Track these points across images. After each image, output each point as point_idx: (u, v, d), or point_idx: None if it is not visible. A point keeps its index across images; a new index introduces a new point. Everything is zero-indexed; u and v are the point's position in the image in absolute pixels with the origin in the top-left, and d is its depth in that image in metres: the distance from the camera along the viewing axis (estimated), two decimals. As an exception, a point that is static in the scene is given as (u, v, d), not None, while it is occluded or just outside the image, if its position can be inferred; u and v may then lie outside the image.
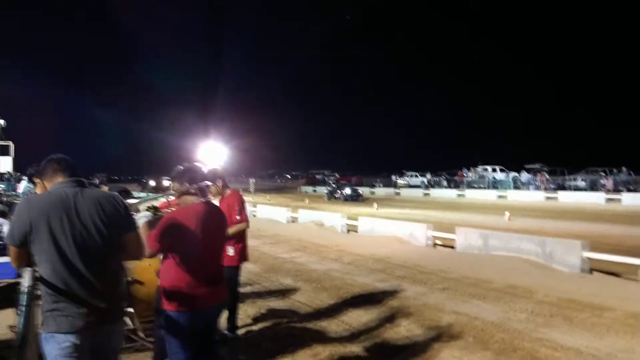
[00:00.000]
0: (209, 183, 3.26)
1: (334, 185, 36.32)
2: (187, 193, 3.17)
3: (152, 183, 39.11)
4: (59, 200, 2.47)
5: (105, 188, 5.12)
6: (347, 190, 33.61)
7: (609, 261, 8.23)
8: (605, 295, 6.72)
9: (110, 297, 2.55)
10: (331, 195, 34.71)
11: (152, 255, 3.03)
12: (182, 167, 3.31)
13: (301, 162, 72.39)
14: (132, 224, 2.72)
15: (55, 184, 2.59)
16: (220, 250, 3.34)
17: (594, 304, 6.26)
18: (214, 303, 3.14)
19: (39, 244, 2.40)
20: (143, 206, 4.03)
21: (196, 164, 3.38)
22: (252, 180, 46.08)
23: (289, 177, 66.62)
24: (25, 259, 2.46)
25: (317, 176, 62.69)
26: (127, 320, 4.02)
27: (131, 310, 4.02)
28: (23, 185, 8.68)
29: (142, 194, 32.26)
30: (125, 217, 2.67)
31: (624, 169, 33.07)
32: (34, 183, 5.71)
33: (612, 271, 8.22)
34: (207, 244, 3.07)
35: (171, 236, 2.96)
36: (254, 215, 19.79)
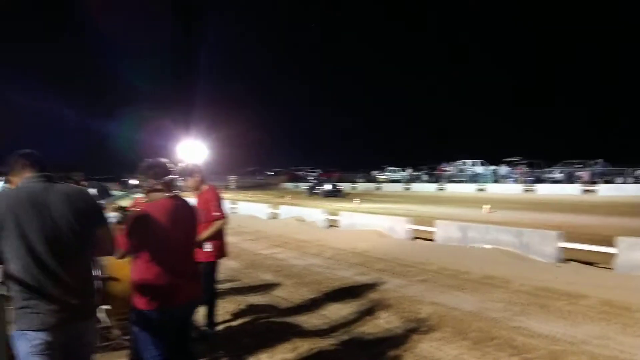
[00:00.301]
0: (174, 177, 3.20)
1: (314, 181, 36.27)
2: (154, 189, 3.12)
3: (133, 182, 38.65)
4: (27, 196, 2.43)
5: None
6: (328, 186, 33.59)
7: (584, 250, 8.37)
8: (581, 283, 6.84)
9: (82, 293, 2.51)
10: (311, 192, 34.64)
11: (124, 256, 2.99)
12: (144, 164, 3.24)
13: (283, 159, 72.09)
14: (103, 218, 2.68)
15: (23, 179, 2.54)
16: (192, 245, 3.29)
17: (570, 292, 6.37)
18: (187, 299, 3.10)
19: (8, 240, 2.34)
20: (112, 207, 3.96)
21: (159, 159, 3.30)
22: (233, 178, 45.81)
23: (271, 173, 66.29)
24: None
25: (299, 172, 62.60)
26: (103, 317, 3.97)
27: (107, 307, 3.97)
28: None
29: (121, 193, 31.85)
30: (95, 211, 2.63)
31: (600, 161, 33.64)
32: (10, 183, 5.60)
33: (587, 260, 8.35)
34: (177, 238, 3.03)
35: (140, 233, 2.91)
36: (235, 212, 19.71)
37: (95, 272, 3.83)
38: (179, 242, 3.07)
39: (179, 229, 3.05)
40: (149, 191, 3.15)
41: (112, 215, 3.21)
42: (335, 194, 32.71)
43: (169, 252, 3.00)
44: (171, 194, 3.12)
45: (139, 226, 2.94)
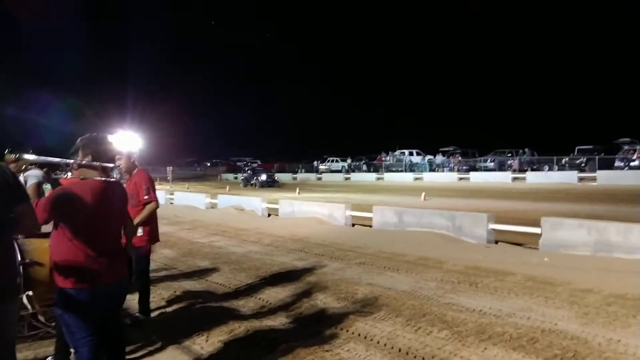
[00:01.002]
0: (112, 165, 3.06)
1: (249, 172, 35.88)
2: (89, 167, 2.98)
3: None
4: None
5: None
6: (263, 177, 33.58)
7: (513, 232, 8.77)
8: (508, 262, 7.18)
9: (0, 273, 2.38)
10: (247, 182, 34.39)
11: (36, 225, 2.82)
12: (89, 137, 3.09)
13: (221, 150, 71.11)
14: (23, 196, 2.54)
15: None
16: (119, 227, 3.17)
17: (497, 270, 6.67)
18: (112, 279, 2.95)
19: None
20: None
21: (105, 136, 3.13)
22: (169, 169, 44.66)
23: (209, 164, 65.27)
24: None
25: (239, 163, 61.91)
26: (27, 304, 3.79)
27: (30, 293, 3.79)
28: None
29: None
30: (15, 188, 2.48)
31: (527, 150, 35.29)
32: None
33: (515, 242, 8.77)
34: (103, 219, 2.91)
35: (61, 207, 2.78)
36: (171, 203, 19.29)
37: (18, 257, 3.67)
38: (104, 222, 2.95)
39: (105, 209, 2.93)
40: (82, 167, 3.00)
41: (33, 174, 3.04)
42: (270, 184, 32.79)
43: (93, 230, 2.88)
44: (103, 177, 2.98)
45: (63, 200, 2.80)
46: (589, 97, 64.23)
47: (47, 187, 3.00)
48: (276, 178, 34.83)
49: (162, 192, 19.87)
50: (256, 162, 60.76)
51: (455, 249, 8.33)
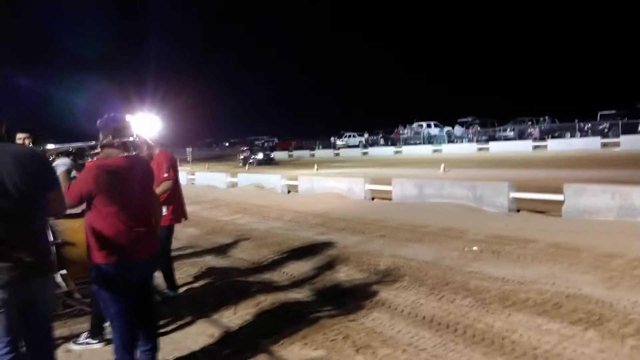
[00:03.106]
0: (132, 139, 3.13)
1: (246, 152, 36.35)
2: (110, 146, 3.06)
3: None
4: None
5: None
6: (259, 155, 34.35)
7: (534, 200, 8.72)
8: (530, 229, 7.15)
9: (34, 251, 2.48)
10: (246, 162, 34.86)
11: (71, 207, 2.93)
12: (106, 118, 3.17)
13: (240, 129, 71.37)
14: (55, 182, 2.64)
15: None
16: (148, 202, 3.25)
17: (520, 238, 6.65)
18: (145, 254, 3.06)
19: None
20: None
21: (122, 115, 3.22)
22: (189, 150, 45.05)
23: (227, 144, 65.55)
24: None
25: (256, 142, 62.07)
26: (61, 282, 3.92)
27: (64, 272, 3.92)
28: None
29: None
30: (47, 174, 2.58)
31: (547, 117, 34.72)
32: None
33: (538, 210, 8.71)
34: (131, 195, 3.00)
35: (90, 188, 2.86)
36: (193, 183, 19.51)
37: (50, 237, 3.79)
38: (134, 198, 3.04)
39: (133, 185, 3.02)
40: (104, 147, 3.09)
41: (62, 162, 3.13)
42: (267, 162, 33.56)
43: (124, 206, 2.97)
44: (127, 154, 3.06)
45: (93, 179, 2.89)
46: (609, 61, 62.73)
47: (75, 174, 3.09)
48: (272, 156, 35.68)
49: (183, 173, 20.10)
50: (273, 140, 60.98)
51: (477, 218, 8.32)
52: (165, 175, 4.91)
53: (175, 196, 5.12)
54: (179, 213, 5.22)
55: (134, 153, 3.20)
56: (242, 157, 36.10)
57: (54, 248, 3.86)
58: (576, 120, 32.50)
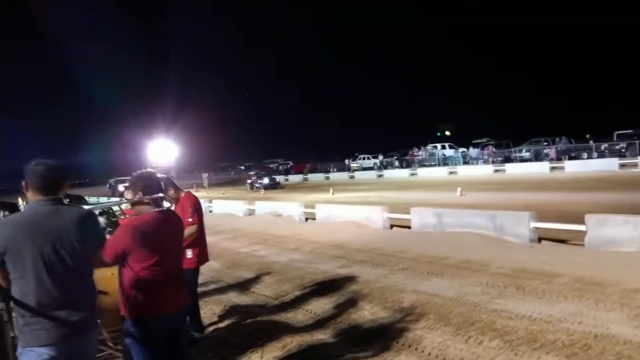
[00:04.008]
0: (162, 195, 3.24)
1: (253, 177, 38.43)
2: (141, 203, 3.16)
3: (120, 188, 37.79)
4: (31, 221, 2.52)
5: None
6: (265, 180, 35.93)
7: (556, 229, 8.67)
8: (554, 262, 7.10)
9: (83, 309, 2.61)
10: (252, 187, 36.74)
11: (106, 265, 3.02)
12: (136, 176, 3.30)
13: (255, 152, 72.00)
14: (104, 241, 2.81)
15: (33, 201, 2.64)
16: (179, 256, 3.35)
17: (544, 272, 6.61)
18: (176, 309, 3.14)
19: (13, 263, 2.46)
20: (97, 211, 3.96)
21: (151, 171, 3.35)
22: (205, 175, 45.55)
23: (242, 168, 66.02)
24: (5, 277, 2.51)
25: (271, 165, 62.49)
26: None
27: (98, 321, 3.98)
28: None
29: (104, 199, 31.41)
30: (100, 235, 2.80)
31: (563, 137, 34.52)
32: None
33: (559, 238, 8.66)
34: (165, 250, 3.08)
35: (124, 246, 2.95)
36: (210, 211, 19.65)
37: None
38: (166, 252, 3.12)
39: (166, 241, 3.10)
40: (135, 204, 3.19)
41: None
42: (273, 186, 35.08)
43: (158, 262, 3.04)
44: (158, 209, 3.15)
45: (126, 237, 2.98)
46: (625, 80, 62.40)
47: (109, 232, 3.20)
48: (277, 181, 37.50)
49: (201, 201, 20.29)
50: (288, 163, 61.32)
51: (498, 249, 8.27)
52: (190, 220, 5.00)
53: (200, 239, 5.20)
54: (204, 255, 5.30)
55: (165, 208, 3.29)
56: (249, 181, 38.23)
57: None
58: (591, 142, 32.33)
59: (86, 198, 5.21)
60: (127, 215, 3.47)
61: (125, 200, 3.42)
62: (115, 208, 4.05)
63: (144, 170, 3.38)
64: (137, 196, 3.17)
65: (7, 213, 5.45)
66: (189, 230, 5.04)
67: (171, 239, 3.21)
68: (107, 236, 3.13)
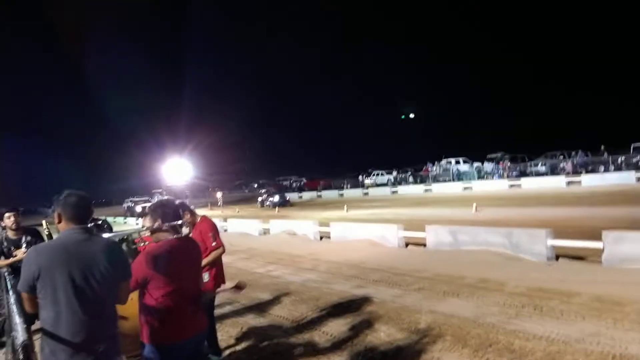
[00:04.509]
0: (181, 222, 3.31)
1: (264, 195, 39.43)
2: (160, 230, 3.24)
3: (138, 209, 38.07)
4: (65, 248, 2.63)
5: None
6: (276, 198, 36.82)
7: (573, 247, 8.59)
8: (572, 280, 7.04)
9: (108, 339, 2.69)
10: (263, 204, 37.68)
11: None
12: (154, 204, 3.39)
13: (269, 170, 72.34)
14: (130, 272, 2.90)
15: (65, 230, 2.74)
16: (197, 281, 3.41)
17: (562, 291, 6.56)
18: (194, 333, 3.22)
19: (44, 290, 2.55)
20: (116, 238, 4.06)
21: (169, 198, 3.45)
22: (219, 194, 45.80)
23: (256, 186, 66.34)
24: (36, 303, 2.60)
25: (284, 182, 62.73)
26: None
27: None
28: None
29: (120, 219, 31.71)
30: (127, 265, 2.88)
31: (579, 151, 34.24)
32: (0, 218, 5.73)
33: (577, 255, 8.58)
34: (183, 277, 3.15)
35: (145, 273, 3.03)
36: (225, 230, 19.75)
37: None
38: (185, 281, 3.19)
39: (184, 268, 3.17)
40: (154, 231, 3.28)
41: None
42: (283, 204, 35.70)
43: (177, 288, 3.12)
44: (176, 236, 3.23)
45: (146, 265, 3.05)
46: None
47: (129, 260, 3.27)
48: (288, 198, 38.08)
49: (216, 220, 20.41)
50: (302, 180, 61.51)
51: (515, 268, 8.22)
52: (214, 243, 5.07)
53: (217, 261, 5.26)
54: (220, 278, 5.35)
55: (183, 235, 3.37)
56: (260, 199, 39.30)
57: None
58: (605, 154, 32.05)
59: (104, 219, 5.35)
60: (146, 243, 3.55)
61: (144, 228, 3.51)
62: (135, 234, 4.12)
63: (161, 199, 3.47)
64: (156, 223, 3.25)
65: (29, 238, 5.57)
66: (215, 254, 5.11)
67: (189, 266, 3.28)
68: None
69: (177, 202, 5.34)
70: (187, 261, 3.25)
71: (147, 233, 3.50)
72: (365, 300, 7.19)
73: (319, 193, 48.26)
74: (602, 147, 33.83)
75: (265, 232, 17.66)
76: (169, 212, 3.29)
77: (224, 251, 5.20)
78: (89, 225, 2.84)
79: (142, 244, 3.53)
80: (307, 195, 49.03)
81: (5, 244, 5.49)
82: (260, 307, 7.41)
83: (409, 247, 11.60)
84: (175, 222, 3.27)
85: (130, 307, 3.98)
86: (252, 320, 6.74)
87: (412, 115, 62.74)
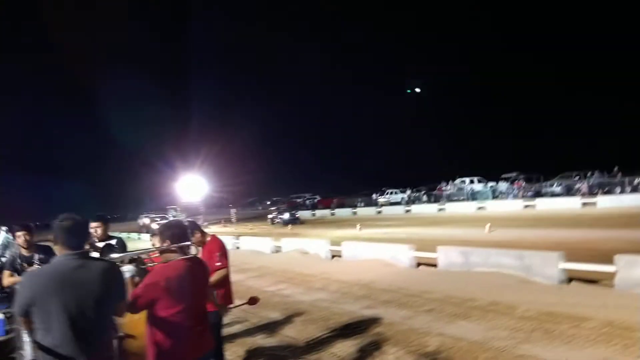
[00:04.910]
0: (189, 243, 3.38)
1: (275, 212, 39.55)
2: (169, 250, 3.31)
3: (154, 226, 38.33)
4: (58, 276, 2.65)
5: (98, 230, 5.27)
6: (286, 216, 36.91)
7: (586, 270, 8.50)
8: (583, 304, 6.96)
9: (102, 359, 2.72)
10: (273, 221, 37.87)
11: (135, 312, 3.16)
12: (163, 225, 3.46)
13: (284, 187, 72.56)
14: (126, 294, 2.95)
15: (59, 255, 2.77)
16: (204, 302, 3.46)
17: (572, 315, 6.49)
18: (201, 353, 3.26)
19: (38, 317, 2.59)
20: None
21: (179, 219, 3.53)
22: (233, 211, 46.00)
23: (269, 203, 66.51)
24: (32, 325, 2.66)
25: (298, 200, 62.76)
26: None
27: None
28: (2, 237, 8.60)
29: (134, 235, 31.99)
30: (123, 288, 2.91)
31: (596, 172, 33.90)
32: (13, 235, 5.82)
33: (589, 278, 8.48)
34: (191, 297, 3.20)
35: (154, 294, 3.08)
36: (238, 247, 19.82)
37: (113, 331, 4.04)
38: (192, 301, 3.24)
39: (192, 289, 3.22)
40: (163, 252, 3.35)
41: (127, 269, 3.39)
42: (294, 221, 35.63)
43: (185, 308, 3.17)
44: (185, 256, 3.30)
45: (154, 286, 3.11)
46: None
47: (138, 280, 3.33)
48: (297, 216, 37.98)
49: (229, 238, 20.51)
50: (315, 198, 61.52)
51: (526, 291, 8.15)
52: (219, 264, 5.11)
53: (225, 281, 5.31)
54: (228, 298, 5.39)
55: (192, 255, 3.44)
56: (270, 217, 39.34)
57: (115, 341, 4.08)
58: (619, 175, 31.75)
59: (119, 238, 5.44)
60: (155, 263, 3.62)
61: (154, 248, 3.58)
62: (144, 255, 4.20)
63: (170, 220, 3.54)
64: (165, 244, 3.32)
65: (42, 256, 5.67)
66: (218, 275, 5.15)
67: (197, 286, 3.34)
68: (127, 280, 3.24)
69: (188, 221, 5.43)
70: (195, 282, 3.30)
71: (157, 253, 3.57)
72: (374, 321, 7.18)
73: (332, 211, 48.20)
74: (616, 168, 33.53)
75: (277, 250, 17.69)
76: (177, 233, 3.37)
77: (227, 272, 5.23)
78: (99, 245, 2.91)
79: (150, 264, 3.60)
80: (320, 213, 49.02)
81: (18, 260, 5.60)
82: (269, 327, 7.43)
83: (420, 267, 11.55)
84: (183, 243, 3.34)
85: (138, 326, 4.04)
86: (261, 340, 6.77)
87: (417, 90, 61.29)
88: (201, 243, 5.22)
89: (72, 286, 2.62)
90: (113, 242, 5.24)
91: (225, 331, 6.73)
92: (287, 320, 7.76)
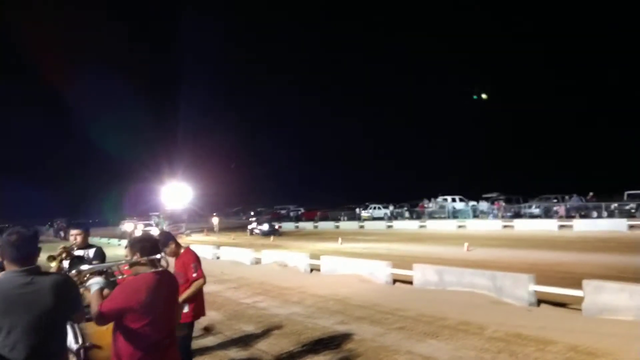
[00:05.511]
0: (159, 256, 3.44)
1: (254, 223, 39.30)
2: (138, 263, 3.38)
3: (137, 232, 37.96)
4: (5, 293, 2.55)
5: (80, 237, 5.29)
6: (265, 227, 36.89)
7: (555, 293, 8.68)
8: (550, 328, 7.12)
9: None
10: (252, 232, 37.76)
11: (103, 324, 3.21)
12: (133, 238, 3.54)
13: (268, 198, 72.49)
14: (80, 304, 2.93)
15: (6, 272, 2.65)
16: (172, 315, 3.52)
17: (539, 338, 6.64)
18: None
19: None
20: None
21: (149, 233, 3.61)
22: (216, 220, 45.82)
23: (253, 213, 66.44)
24: None
25: (282, 211, 62.73)
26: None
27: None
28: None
29: (114, 241, 31.69)
30: (76, 299, 2.88)
31: (574, 196, 34.50)
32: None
33: (559, 302, 8.66)
34: (159, 311, 3.26)
35: (122, 306, 3.13)
36: (218, 257, 19.79)
37: (79, 341, 4.09)
38: (160, 315, 3.30)
39: (160, 303, 3.28)
40: (133, 264, 3.42)
41: (95, 282, 3.44)
42: (273, 232, 35.60)
43: (153, 321, 3.22)
44: (155, 269, 3.36)
45: (121, 299, 3.17)
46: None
47: (107, 292, 3.38)
48: (276, 227, 38.02)
49: (209, 247, 20.47)
50: (299, 210, 61.52)
51: (496, 312, 8.30)
52: (195, 275, 5.18)
53: (198, 293, 5.37)
54: (200, 309, 5.44)
55: (161, 269, 3.51)
56: (249, 227, 39.04)
57: (82, 351, 4.13)
58: (594, 200, 32.45)
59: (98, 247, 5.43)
60: (125, 275, 3.68)
61: (124, 261, 3.64)
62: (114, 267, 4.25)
63: (141, 235, 3.62)
64: (135, 257, 3.39)
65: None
66: (195, 286, 5.21)
67: (166, 300, 3.39)
68: (95, 292, 3.27)
69: (162, 232, 5.50)
70: (163, 295, 3.36)
71: (127, 266, 3.63)
72: (346, 337, 7.27)
73: (315, 224, 48.28)
74: (591, 194, 34.29)
75: (257, 261, 17.70)
76: (147, 246, 3.44)
77: (204, 282, 5.31)
78: (77, 253, 2.90)
79: (120, 276, 3.65)
80: (303, 225, 49.05)
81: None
82: (242, 340, 7.48)
83: (397, 284, 11.68)
84: (153, 257, 3.41)
85: (106, 337, 4.09)
86: (232, 353, 6.81)
87: (484, 96, 59.74)
88: (175, 254, 5.29)
89: (21, 305, 2.53)
90: (91, 251, 5.23)
91: (198, 343, 6.79)
92: (261, 333, 7.81)
